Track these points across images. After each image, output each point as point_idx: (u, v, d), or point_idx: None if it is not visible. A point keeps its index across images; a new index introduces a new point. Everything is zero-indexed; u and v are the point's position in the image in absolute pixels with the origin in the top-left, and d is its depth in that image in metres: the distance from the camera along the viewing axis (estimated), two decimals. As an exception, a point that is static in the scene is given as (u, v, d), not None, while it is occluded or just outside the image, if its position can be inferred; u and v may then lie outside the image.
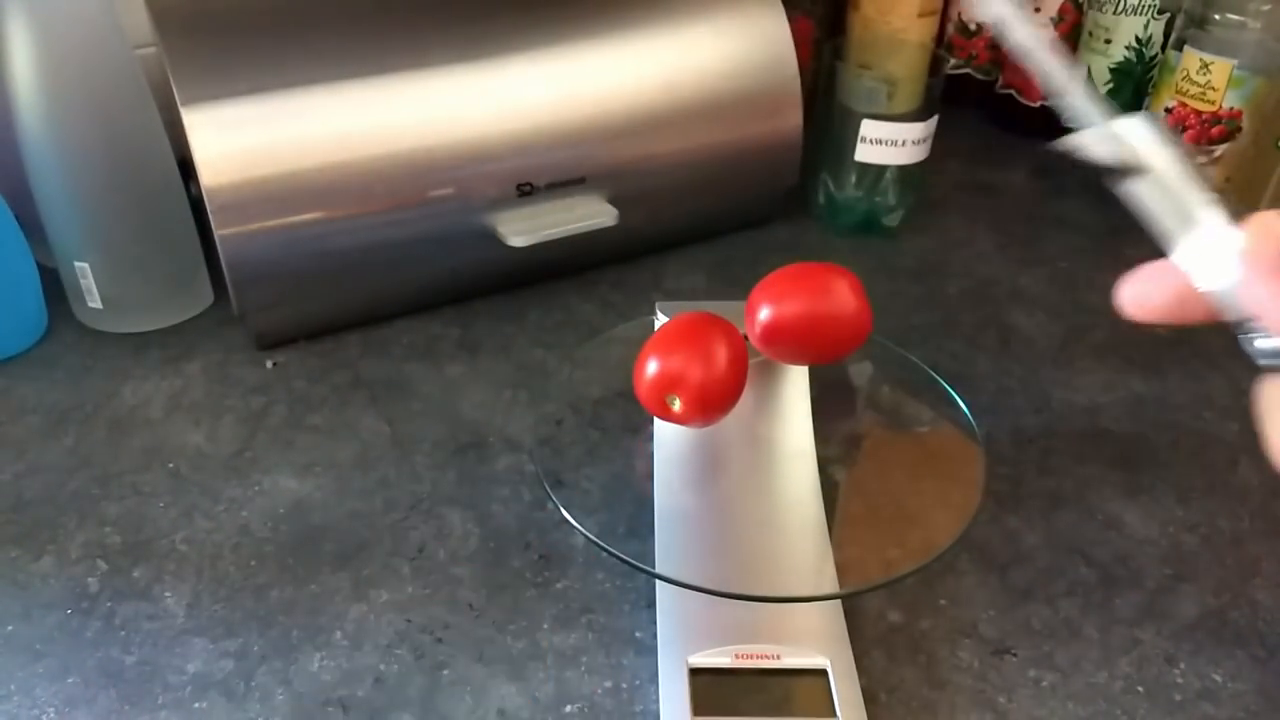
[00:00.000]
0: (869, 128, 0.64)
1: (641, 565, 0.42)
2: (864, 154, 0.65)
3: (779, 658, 0.39)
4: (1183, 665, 0.42)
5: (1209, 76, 0.68)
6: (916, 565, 0.41)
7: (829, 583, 0.42)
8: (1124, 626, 0.43)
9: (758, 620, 0.40)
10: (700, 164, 0.63)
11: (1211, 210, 0.28)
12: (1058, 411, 0.55)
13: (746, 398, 0.43)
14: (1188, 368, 0.59)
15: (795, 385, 0.48)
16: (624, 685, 0.40)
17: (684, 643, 0.40)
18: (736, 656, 0.39)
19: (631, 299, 0.63)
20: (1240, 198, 0.70)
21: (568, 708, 0.39)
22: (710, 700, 0.38)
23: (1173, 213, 0.29)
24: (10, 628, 0.42)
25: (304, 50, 0.53)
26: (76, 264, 0.56)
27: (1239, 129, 0.69)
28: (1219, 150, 0.70)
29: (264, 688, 0.40)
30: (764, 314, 0.44)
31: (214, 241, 0.51)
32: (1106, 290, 0.71)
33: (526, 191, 0.57)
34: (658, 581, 0.43)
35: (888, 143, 0.65)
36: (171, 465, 0.50)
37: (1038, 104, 0.82)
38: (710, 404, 0.42)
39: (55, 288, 0.58)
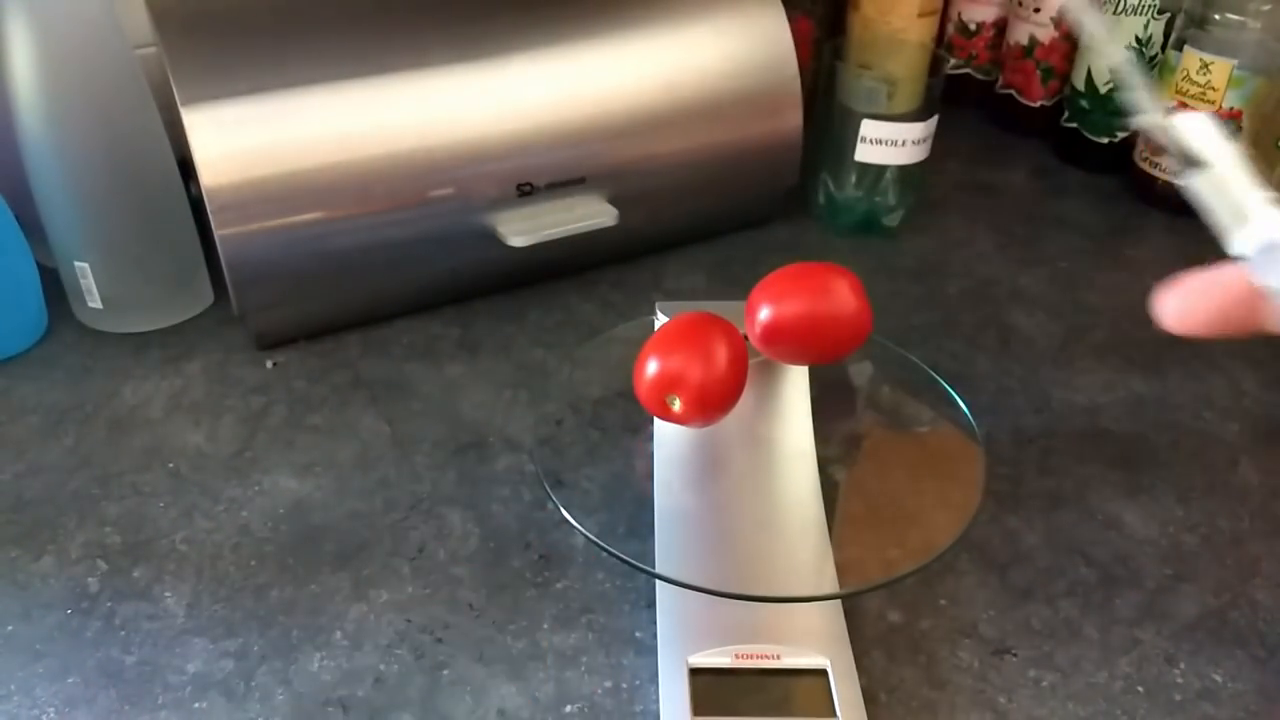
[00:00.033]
0: (869, 128, 0.64)
1: (641, 565, 0.42)
2: (864, 154, 0.65)
3: (779, 658, 0.39)
4: (1183, 665, 0.42)
5: (1209, 76, 0.68)
6: (916, 565, 0.41)
7: (829, 583, 0.42)
8: (1124, 626, 0.43)
9: (758, 620, 0.40)
10: (700, 164, 0.63)
11: (1270, 207, 0.28)
12: (1058, 411, 0.55)
13: (746, 398, 0.43)
14: (1188, 368, 0.59)
15: (795, 385, 0.48)
16: (624, 685, 0.40)
17: (684, 643, 0.40)
18: (736, 656, 0.39)
19: (631, 299, 0.63)
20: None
21: (568, 708, 0.39)
22: (710, 700, 0.38)
23: (1230, 209, 0.29)
24: (10, 628, 0.42)
25: (304, 50, 0.53)
26: (76, 264, 0.56)
27: (1239, 129, 0.69)
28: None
29: (264, 688, 0.40)
30: (764, 314, 0.44)
31: (214, 241, 0.51)
32: (1106, 290, 0.72)
33: (526, 191, 0.57)
34: (658, 581, 0.43)
35: (888, 143, 0.65)
36: (171, 465, 0.50)
37: (1038, 104, 0.83)
38: (710, 404, 0.42)
39: (55, 288, 0.58)
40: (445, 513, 0.48)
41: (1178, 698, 0.41)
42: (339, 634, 0.42)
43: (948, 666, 0.41)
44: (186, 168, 0.54)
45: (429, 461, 0.51)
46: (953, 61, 0.86)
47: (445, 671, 0.41)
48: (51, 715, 0.39)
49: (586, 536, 0.43)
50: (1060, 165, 0.81)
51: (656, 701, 0.39)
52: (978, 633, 0.43)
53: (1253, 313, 0.29)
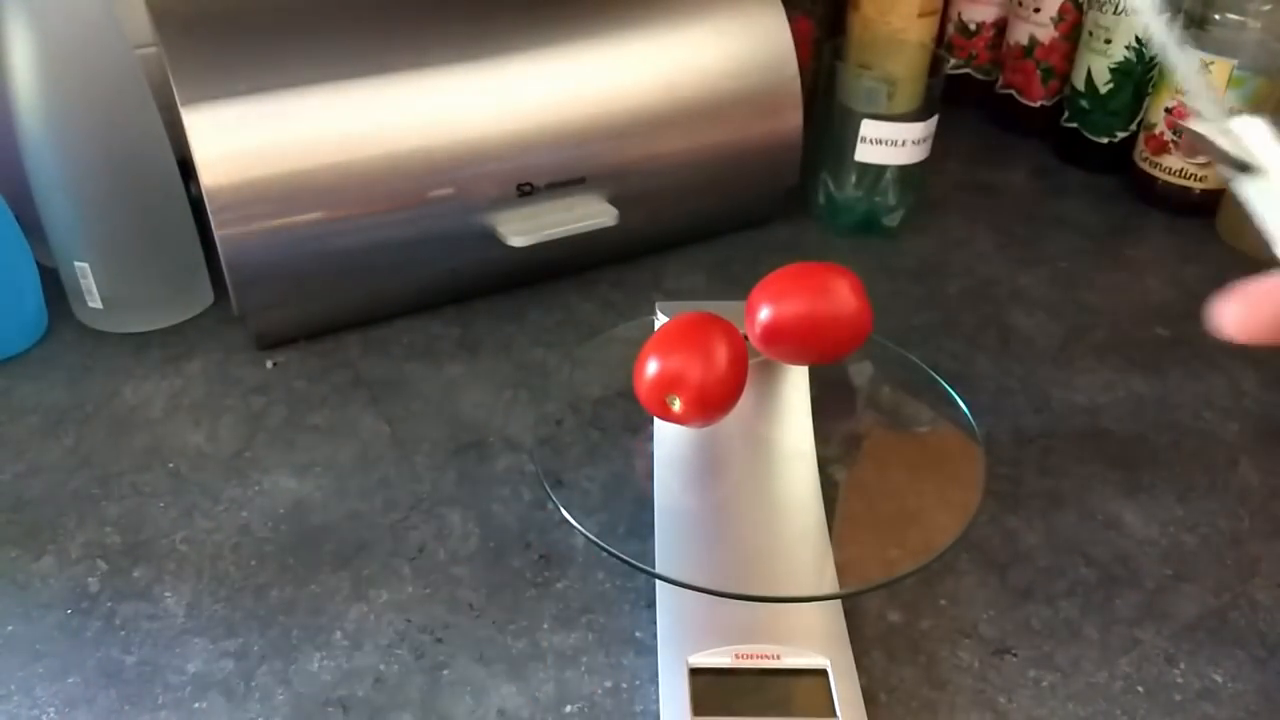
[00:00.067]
0: (869, 128, 0.64)
1: (641, 565, 0.42)
2: (864, 154, 0.65)
3: (779, 658, 0.39)
4: (1183, 665, 0.42)
5: (1209, 76, 0.68)
6: (916, 565, 0.41)
7: (829, 583, 0.42)
8: (1124, 626, 0.43)
9: (758, 620, 0.40)
10: (700, 164, 0.63)
11: None
12: (1058, 411, 0.55)
13: (746, 398, 0.43)
14: (1188, 368, 0.59)
15: (795, 385, 0.48)
16: (624, 685, 0.40)
17: (684, 643, 0.40)
18: (736, 656, 0.39)
19: (631, 299, 0.63)
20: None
21: (568, 708, 0.39)
22: (710, 700, 0.38)
23: None
24: (10, 628, 0.42)
25: (304, 50, 0.53)
26: (76, 264, 0.56)
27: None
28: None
29: (264, 688, 0.40)
30: (764, 314, 0.44)
31: (214, 241, 0.51)
32: (1106, 290, 0.72)
33: (526, 191, 0.57)
34: (658, 581, 0.43)
35: (888, 143, 0.65)
36: (171, 465, 0.50)
37: (1037, 104, 0.83)
38: (710, 404, 0.42)
39: (55, 288, 0.58)
40: (445, 513, 0.48)
41: (1178, 698, 0.41)
42: (339, 634, 0.42)
43: (948, 666, 0.41)
44: (186, 168, 0.54)
45: (429, 461, 0.51)
46: (953, 61, 0.86)
47: (445, 671, 0.41)
48: (51, 715, 0.39)
49: (586, 536, 0.43)
50: (1060, 165, 0.81)
51: (656, 701, 0.39)
52: (978, 633, 0.43)
53: None
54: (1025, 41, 0.81)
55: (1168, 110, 0.71)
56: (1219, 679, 0.41)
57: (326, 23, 0.54)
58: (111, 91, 0.52)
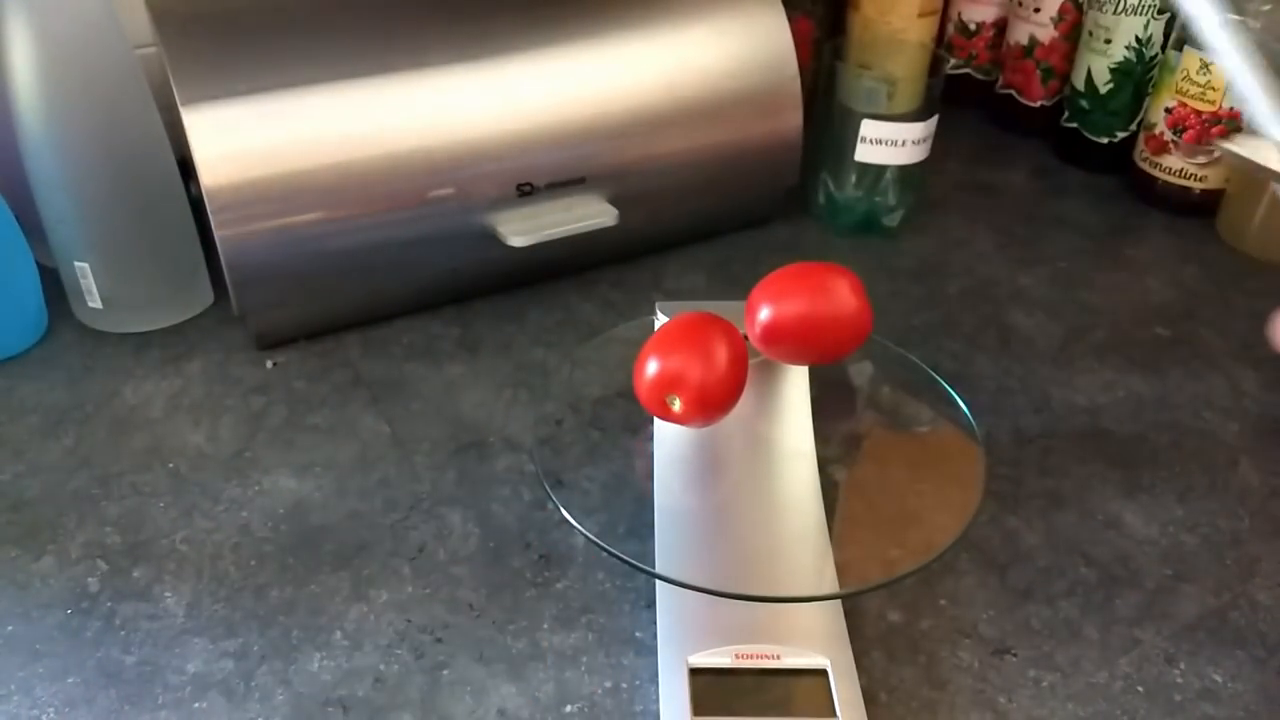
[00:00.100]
0: (869, 128, 0.64)
1: (641, 565, 0.42)
2: (864, 154, 0.65)
3: (779, 658, 0.39)
4: (1183, 665, 0.42)
5: (1209, 76, 0.68)
6: (916, 565, 0.41)
7: (829, 583, 0.42)
8: (1124, 626, 0.43)
9: (758, 620, 0.40)
10: (700, 164, 0.63)
11: None
12: (1058, 411, 0.55)
13: (746, 398, 0.43)
14: (1188, 368, 0.59)
15: (795, 385, 0.48)
16: (624, 685, 0.40)
17: (684, 643, 0.40)
18: (736, 656, 0.39)
19: (631, 299, 0.63)
20: (1239, 198, 0.70)
21: (568, 708, 0.39)
22: (710, 700, 0.38)
23: None
24: (10, 628, 0.42)
25: (304, 50, 0.53)
26: (76, 264, 0.56)
27: (1239, 129, 0.69)
28: (1219, 151, 0.70)
29: (264, 688, 0.40)
30: (764, 314, 0.44)
31: (214, 241, 0.51)
32: (1106, 290, 0.72)
33: (526, 191, 0.57)
34: (658, 581, 0.43)
35: (888, 143, 0.65)
36: (171, 465, 0.50)
37: (1037, 104, 0.83)
38: (710, 404, 0.42)
39: (55, 288, 0.58)
40: (445, 513, 0.48)
41: (1178, 698, 0.41)
42: (339, 634, 0.42)
43: (948, 666, 0.41)
44: (186, 168, 0.54)
45: (429, 461, 0.51)
46: (953, 61, 0.86)
47: (445, 671, 0.41)
48: (51, 715, 0.39)
49: (586, 536, 0.43)
50: (1060, 165, 0.81)
51: (656, 701, 0.39)
52: (978, 633, 0.43)
53: None
54: (1025, 41, 0.81)
55: (1168, 110, 0.71)
56: (1219, 679, 0.41)
57: (326, 23, 0.54)
58: (111, 91, 0.52)
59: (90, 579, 0.44)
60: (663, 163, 0.61)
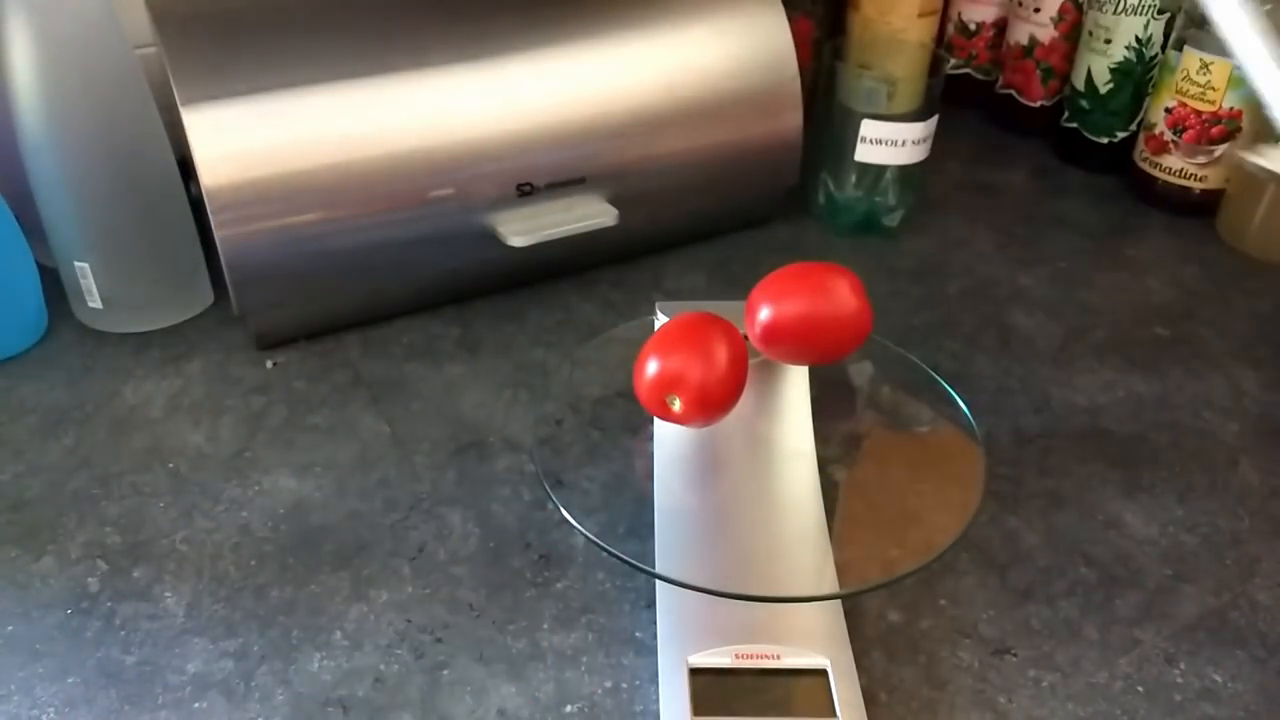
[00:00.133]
0: (869, 128, 0.64)
1: (641, 565, 0.42)
2: (864, 154, 0.65)
3: (779, 658, 0.39)
4: (1183, 665, 0.42)
5: (1209, 76, 0.68)
6: (916, 565, 0.41)
7: (829, 583, 0.42)
8: (1124, 626, 0.43)
9: (758, 620, 0.40)
10: (700, 164, 0.63)
11: None
12: (1058, 411, 0.55)
13: (746, 398, 0.43)
14: (1188, 368, 0.59)
15: (795, 385, 0.48)
16: (624, 685, 0.40)
17: (684, 643, 0.40)
18: (736, 656, 0.39)
19: (631, 299, 0.63)
20: (1239, 198, 0.70)
21: (568, 708, 0.39)
22: (710, 700, 0.38)
23: None
24: (10, 628, 0.42)
25: (304, 50, 0.53)
26: (76, 264, 0.56)
27: (1239, 129, 0.69)
28: (1219, 150, 0.70)
29: (264, 688, 0.40)
30: (764, 314, 0.44)
31: (214, 241, 0.51)
32: (1106, 290, 0.72)
33: (526, 191, 0.57)
34: (658, 581, 0.43)
35: (888, 143, 0.65)
36: (171, 465, 0.50)
37: (1037, 104, 0.83)
38: (710, 404, 0.42)
39: (55, 288, 0.58)
40: (445, 513, 0.48)
41: (1178, 698, 0.41)
42: (339, 634, 0.42)
43: (948, 666, 0.41)
44: (186, 168, 0.54)
45: (429, 461, 0.51)
46: (953, 61, 0.86)
47: (445, 671, 0.41)
48: (51, 715, 0.39)
49: (586, 536, 0.43)
50: (1060, 165, 0.81)
51: (656, 701, 0.39)
52: (978, 633, 0.43)
53: None
54: (1025, 41, 0.81)
55: (1168, 110, 0.71)
56: (1219, 679, 0.41)
57: (326, 23, 0.54)
58: (111, 91, 0.52)
59: (90, 579, 0.44)
60: (663, 163, 0.61)
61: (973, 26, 0.85)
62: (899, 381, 0.52)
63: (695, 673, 0.39)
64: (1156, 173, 0.74)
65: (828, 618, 0.41)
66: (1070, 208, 0.75)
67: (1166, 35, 0.72)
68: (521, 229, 0.56)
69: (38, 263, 0.57)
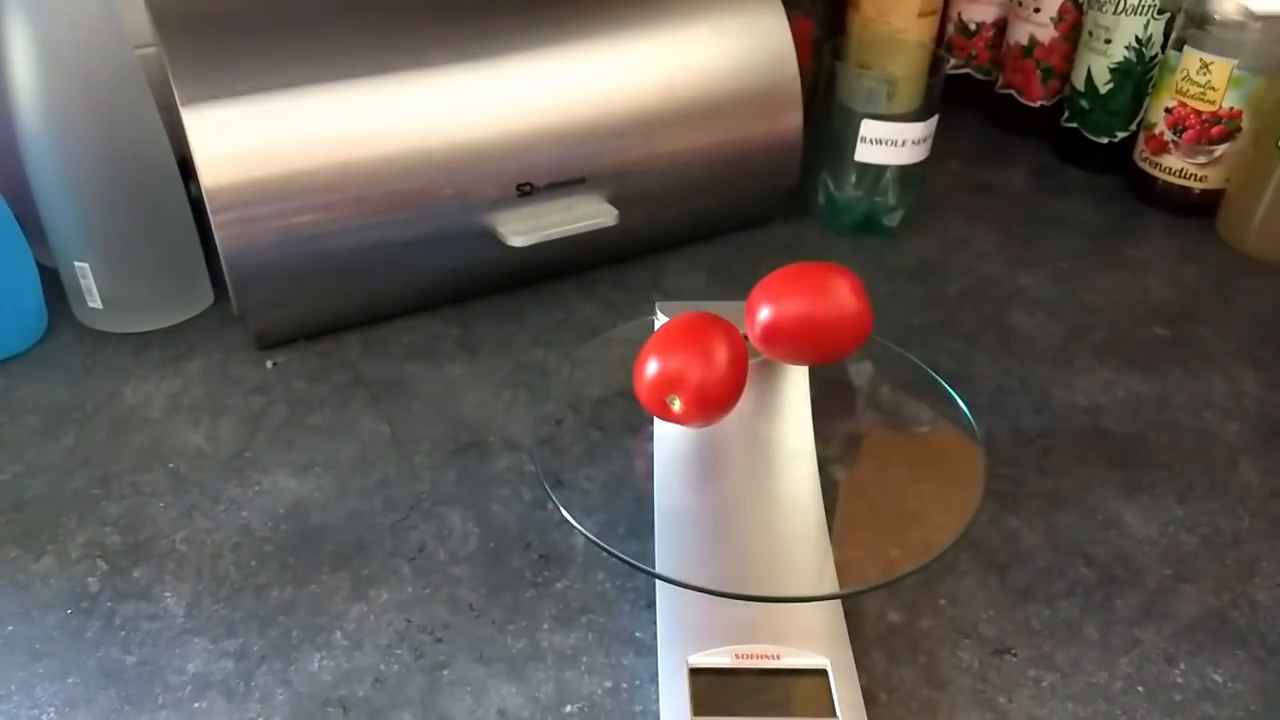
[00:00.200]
0: (869, 128, 0.64)
1: (641, 565, 0.42)
2: (864, 154, 0.65)
3: (779, 658, 0.39)
4: (1183, 665, 0.42)
5: (1209, 76, 0.68)
6: (916, 565, 0.41)
7: (829, 583, 0.42)
8: (1124, 626, 0.43)
9: (758, 620, 0.40)
10: (700, 164, 0.63)
11: None
12: (1058, 411, 0.55)
13: (746, 398, 0.43)
14: (1188, 368, 0.59)
15: (795, 385, 0.48)
16: (624, 685, 0.40)
17: (684, 643, 0.40)
18: (736, 656, 0.39)
19: (631, 299, 0.63)
20: (1239, 198, 0.70)
21: (568, 708, 0.39)
22: (710, 700, 0.38)
23: None
24: (10, 628, 0.42)
25: (304, 50, 0.53)
26: (76, 264, 0.56)
27: (1239, 129, 0.69)
28: (1219, 150, 0.70)
29: (264, 688, 0.40)
30: (764, 314, 0.44)
31: (214, 241, 0.51)
32: (1106, 290, 0.72)
33: (526, 191, 0.57)
34: (658, 581, 0.43)
35: (888, 143, 0.65)
36: (171, 465, 0.50)
37: (1037, 104, 0.83)
38: (710, 404, 0.42)
39: (55, 288, 0.58)
40: (445, 513, 0.48)
41: (1178, 698, 0.41)
42: (339, 634, 0.42)
43: (948, 666, 0.41)
44: (186, 168, 0.54)
45: (429, 461, 0.51)
46: (953, 61, 0.86)
47: (445, 671, 0.41)
48: (51, 715, 0.39)
49: (586, 536, 0.43)
50: (1060, 165, 0.81)
51: (656, 701, 0.39)
52: (978, 633, 0.43)
53: None
54: (1025, 41, 0.81)
55: (1168, 110, 0.71)
56: (1219, 679, 0.41)
57: (326, 23, 0.54)
58: (111, 91, 0.52)
59: (90, 579, 0.44)
60: (663, 163, 0.61)
61: (973, 26, 0.85)
62: (899, 381, 0.52)
63: (695, 673, 0.39)
64: (1156, 173, 0.74)
65: (828, 618, 0.41)
66: (1070, 208, 0.75)
67: (1166, 35, 0.72)
68: (521, 229, 0.56)
69: (38, 263, 0.57)
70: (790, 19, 0.63)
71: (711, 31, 0.61)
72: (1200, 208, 0.73)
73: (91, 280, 0.56)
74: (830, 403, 0.49)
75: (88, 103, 0.52)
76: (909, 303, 0.64)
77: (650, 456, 0.47)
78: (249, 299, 0.54)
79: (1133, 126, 0.76)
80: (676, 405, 0.41)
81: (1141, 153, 0.75)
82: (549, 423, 0.52)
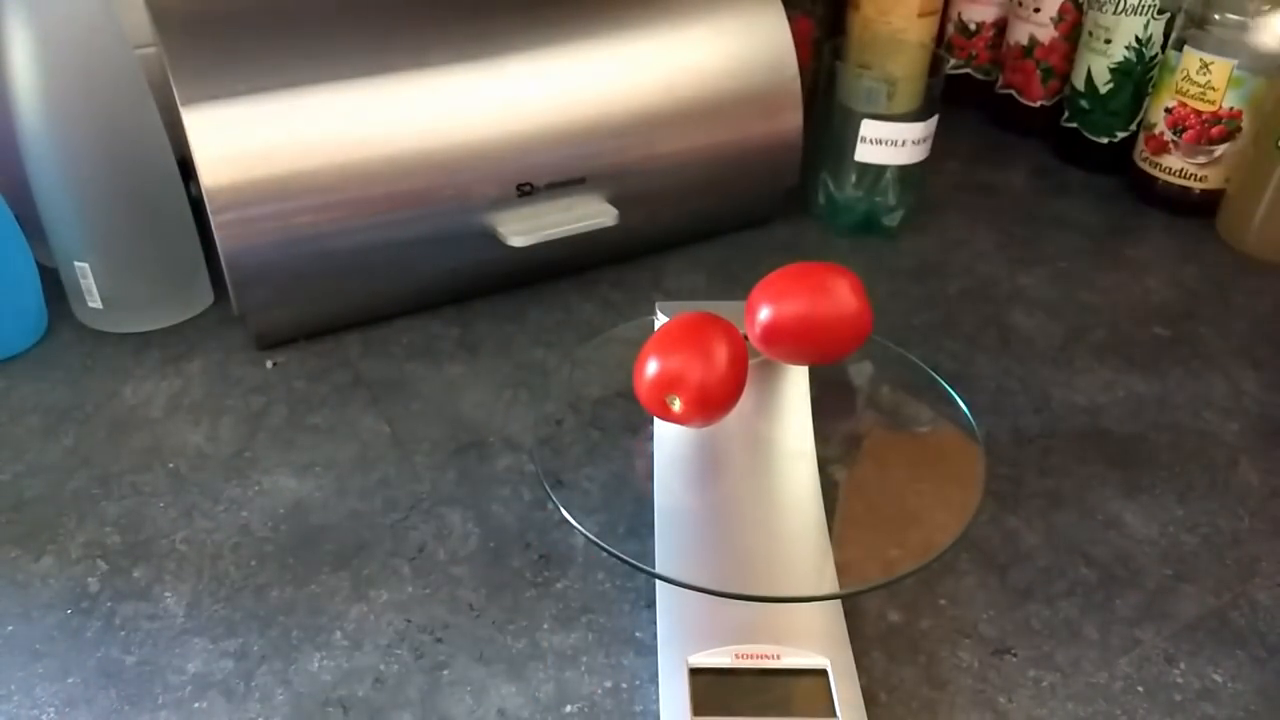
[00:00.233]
0: (869, 128, 0.64)
1: (641, 565, 0.42)
2: (864, 154, 0.65)
3: (779, 658, 0.39)
4: (1183, 665, 0.42)
5: (1209, 76, 0.68)
6: (916, 565, 0.41)
7: (829, 583, 0.42)
8: (1124, 626, 0.43)
9: (758, 620, 0.40)
10: (700, 164, 0.63)
11: None
12: (1058, 411, 0.55)
13: (746, 398, 0.43)
14: (1188, 368, 0.59)
15: (795, 385, 0.48)
16: (624, 685, 0.40)
17: (684, 643, 0.40)
18: (736, 656, 0.39)
19: (631, 299, 0.63)
20: (1239, 198, 0.70)
21: (568, 708, 0.39)
22: (710, 700, 0.38)
23: None
24: (10, 628, 0.42)
25: (304, 50, 0.53)
26: (76, 264, 0.56)
27: (1239, 129, 0.69)
28: (1219, 150, 0.70)
29: (264, 688, 0.40)
30: (764, 314, 0.44)
31: (214, 241, 0.51)
32: (1106, 290, 0.72)
33: (526, 191, 0.57)
34: (658, 581, 0.43)
35: (888, 143, 0.65)
36: (171, 465, 0.50)
37: (1037, 104, 0.83)
38: (710, 404, 0.42)
39: (55, 288, 0.58)
40: (445, 513, 0.48)
41: (1178, 698, 0.41)
42: (339, 634, 0.42)
43: (948, 666, 0.41)
44: (186, 168, 0.54)
45: (429, 461, 0.51)
46: (953, 61, 0.86)
47: (445, 671, 0.41)
48: (51, 715, 0.39)
49: (586, 536, 0.43)
50: (1060, 165, 0.81)
51: (656, 701, 0.39)
52: (978, 633, 0.43)
53: None
54: (1025, 41, 0.81)
55: (1168, 110, 0.71)
56: (1219, 679, 0.41)
57: (326, 23, 0.54)
58: (111, 91, 0.52)
59: (90, 579, 0.44)
60: (663, 163, 0.61)
61: (973, 26, 0.85)
62: (899, 381, 0.52)
63: (695, 673, 0.39)
64: (1156, 173, 0.74)
65: (828, 618, 0.41)
66: (1070, 208, 0.75)
67: (1166, 35, 0.72)
68: (521, 229, 0.56)
69: (38, 263, 0.57)
70: (790, 19, 0.63)
71: (711, 31, 0.61)
72: (1200, 208, 0.73)
73: (91, 280, 0.56)
74: (830, 403, 0.49)
75: (88, 103, 0.52)
76: (909, 303, 0.64)
77: (650, 456, 0.47)
78: (249, 299, 0.54)
79: (1133, 126, 0.76)
80: (676, 405, 0.41)
81: (1141, 153, 0.75)
82: (549, 423, 0.52)
